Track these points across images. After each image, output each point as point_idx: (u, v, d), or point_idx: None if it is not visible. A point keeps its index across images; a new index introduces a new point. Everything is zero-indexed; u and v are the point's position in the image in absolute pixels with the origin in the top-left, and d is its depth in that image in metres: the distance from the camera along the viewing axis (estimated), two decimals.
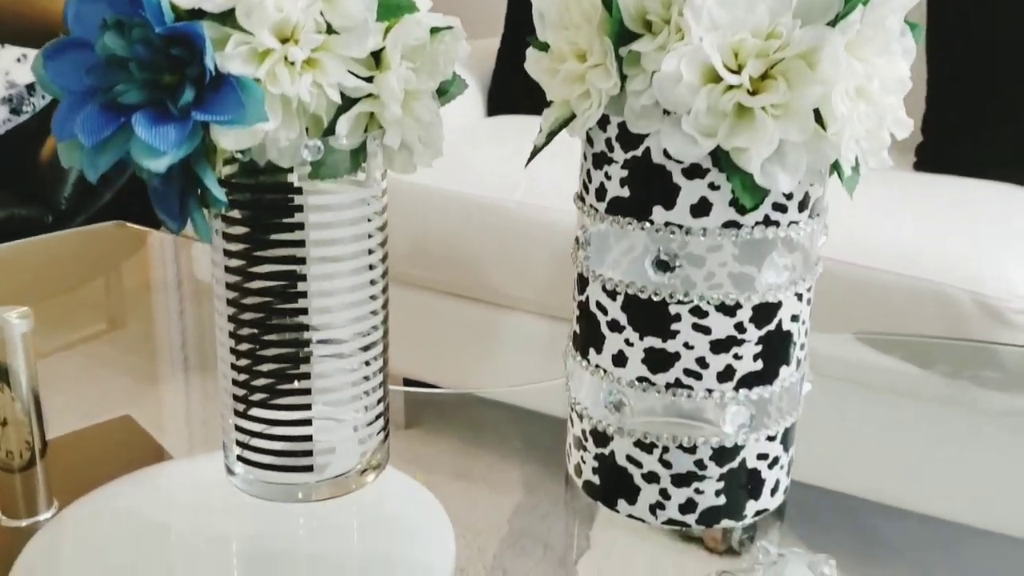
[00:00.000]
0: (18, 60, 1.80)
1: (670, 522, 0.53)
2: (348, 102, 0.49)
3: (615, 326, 0.51)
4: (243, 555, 0.60)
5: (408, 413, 1.09)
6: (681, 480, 0.52)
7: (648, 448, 0.52)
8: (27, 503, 0.69)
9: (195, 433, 0.93)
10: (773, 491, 0.54)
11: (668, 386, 0.50)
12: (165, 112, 0.46)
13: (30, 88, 1.82)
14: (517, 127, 1.51)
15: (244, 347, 0.54)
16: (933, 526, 0.71)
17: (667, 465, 0.52)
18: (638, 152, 0.48)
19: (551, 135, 0.50)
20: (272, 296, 0.52)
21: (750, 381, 0.50)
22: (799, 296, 0.51)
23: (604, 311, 0.51)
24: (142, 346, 1.12)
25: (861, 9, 0.44)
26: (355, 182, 0.53)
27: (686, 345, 0.50)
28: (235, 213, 0.52)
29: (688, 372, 0.50)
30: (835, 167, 0.48)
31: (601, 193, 0.50)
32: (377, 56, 0.49)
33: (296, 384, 0.54)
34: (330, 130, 0.49)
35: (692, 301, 0.49)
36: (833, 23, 0.44)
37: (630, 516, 0.54)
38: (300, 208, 0.51)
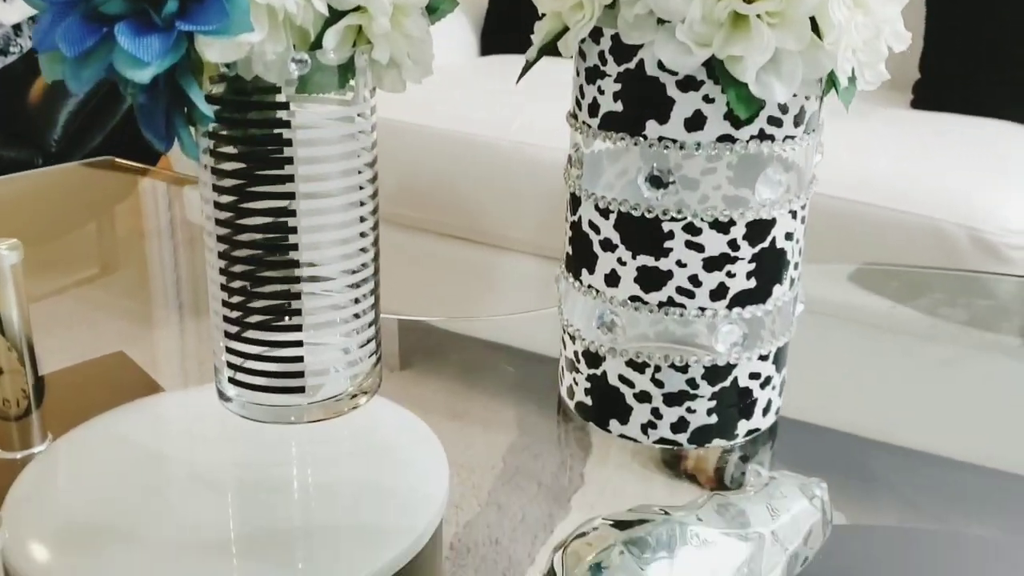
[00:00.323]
0: (3, 0, 1.77)
1: (661, 441, 0.53)
2: (336, 15, 0.48)
3: (608, 245, 0.51)
4: (236, 481, 0.60)
5: (403, 354, 1.09)
6: (673, 399, 0.52)
7: (640, 368, 0.52)
8: (21, 437, 0.69)
9: (189, 371, 0.93)
10: (765, 411, 0.54)
11: (660, 305, 0.50)
12: (148, 22, 0.45)
13: (16, 29, 1.79)
14: (511, 67, 1.49)
15: (236, 284, 0.53)
16: (922, 460, 0.71)
17: (659, 384, 0.52)
18: (631, 64, 0.47)
19: (542, 49, 0.49)
20: (264, 226, 0.52)
21: (743, 300, 0.50)
22: (793, 214, 0.50)
23: (596, 230, 0.51)
24: (135, 289, 1.12)
25: None
26: (343, 101, 0.52)
27: (679, 263, 0.49)
28: (225, 143, 0.51)
29: (681, 291, 0.50)
30: (831, 80, 0.47)
31: (594, 109, 0.49)
32: None
33: (287, 320, 0.54)
34: (317, 44, 0.48)
35: (685, 218, 0.49)
36: None
37: (622, 436, 0.54)
38: (288, 125, 0.50)
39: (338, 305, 0.55)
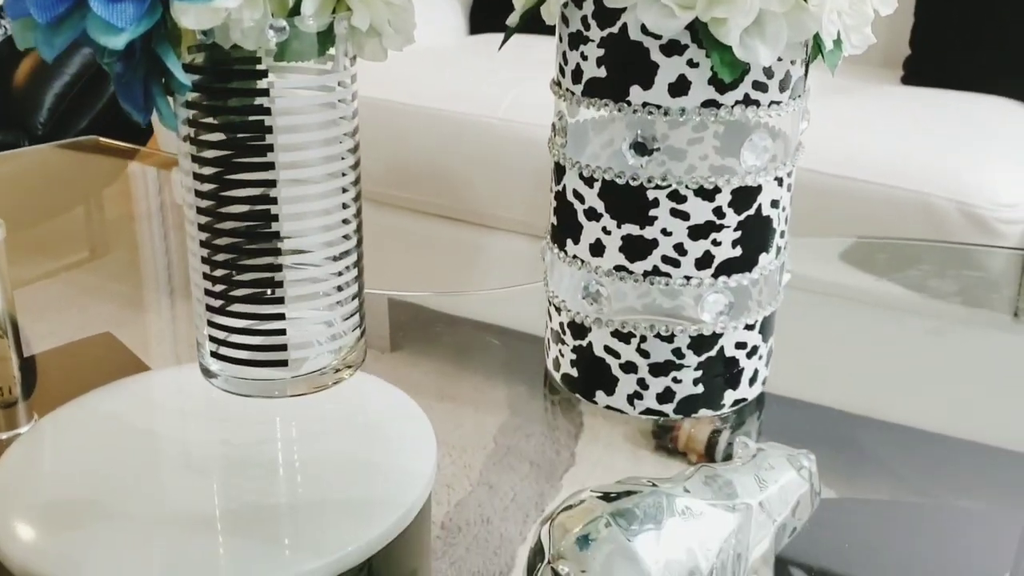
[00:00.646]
0: None
1: (648, 412, 0.52)
2: None
3: (592, 214, 0.50)
4: (223, 458, 0.60)
5: (393, 336, 1.09)
6: (659, 369, 0.51)
7: (625, 338, 0.51)
8: (6, 417, 0.68)
9: (178, 353, 0.92)
10: (752, 381, 0.54)
11: (646, 274, 0.50)
12: None
13: (0, 11, 1.78)
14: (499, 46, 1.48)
15: (219, 266, 0.53)
16: (910, 434, 0.71)
17: (645, 355, 0.51)
18: (615, 29, 0.46)
19: (524, 15, 0.49)
20: (245, 207, 0.51)
21: (728, 268, 0.50)
22: (779, 181, 0.50)
23: (581, 199, 0.50)
24: (124, 273, 1.11)
25: None
26: (323, 71, 0.52)
27: (664, 232, 0.49)
28: (205, 127, 0.50)
29: (666, 259, 0.49)
30: (817, 46, 0.47)
31: (577, 75, 0.49)
32: None
33: (270, 292, 0.53)
34: (296, 11, 0.48)
35: (670, 186, 0.48)
36: None
37: (608, 407, 0.53)
38: (266, 94, 0.49)
39: (319, 279, 0.54)
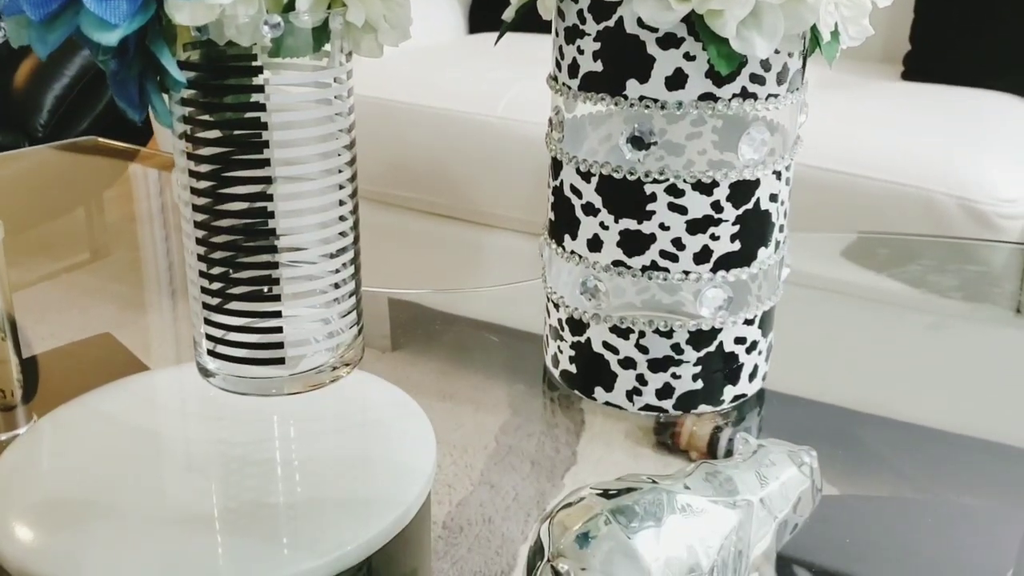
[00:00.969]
0: None
1: (647, 408, 0.52)
2: None
3: (590, 209, 0.50)
4: (222, 457, 0.60)
5: (394, 336, 1.09)
6: (658, 365, 0.51)
7: (624, 334, 0.51)
8: (6, 418, 0.68)
9: (179, 354, 0.92)
10: (751, 376, 0.53)
11: (644, 269, 0.49)
12: None
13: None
14: (499, 43, 1.48)
15: (215, 267, 0.53)
16: (912, 430, 0.71)
17: (643, 350, 0.51)
18: (611, 22, 0.46)
19: (521, 9, 0.48)
20: (242, 205, 0.51)
21: (727, 262, 0.49)
22: (778, 175, 0.50)
23: (579, 194, 0.50)
24: (125, 274, 1.11)
25: None
26: (319, 67, 0.51)
27: (662, 226, 0.49)
28: (200, 125, 0.50)
29: (664, 254, 0.49)
30: (815, 38, 0.46)
31: (574, 69, 0.48)
32: None
33: (267, 291, 0.53)
34: (291, 7, 0.47)
35: (668, 180, 0.48)
36: None
37: (607, 403, 0.53)
38: (262, 90, 0.49)
39: (315, 276, 0.54)
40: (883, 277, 0.95)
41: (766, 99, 0.47)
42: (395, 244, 1.41)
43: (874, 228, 1.09)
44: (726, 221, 0.49)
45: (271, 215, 0.51)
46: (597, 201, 0.49)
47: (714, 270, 0.49)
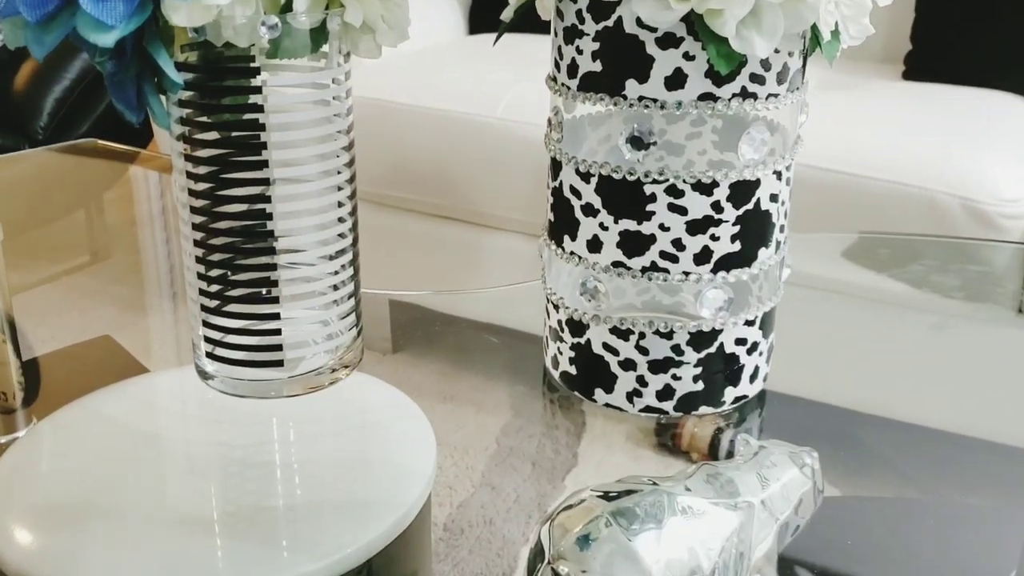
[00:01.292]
0: None
1: (647, 409, 0.52)
2: None
3: (589, 210, 0.50)
4: (222, 460, 0.59)
5: (395, 337, 1.09)
6: (658, 366, 0.51)
7: (624, 335, 0.51)
8: (5, 421, 0.68)
9: (180, 356, 0.92)
10: (752, 377, 0.53)
11: (644, 270, 0.49)
12: None
13: None
14: (499, 45, 1.48)
15: (214, 269, 0.52)
16: (914, 431, 0.70)
17: (644, 352, 0.51)
18: (610, 22, 0.46)
19: (519, 9, 0.48)
20: (240, 207, 0.51)
21: (727, 263, 0.49)
22: (778, 175, 0.49)
23: (578, 195, 0.50)
24: (125, 276, 1.11)
25: None
26: (316, 68, 0.51)
27: (662, 227, 0.48)
28: (198, 126, 0.50)
29: (664, 255, 0.49)
30: (815, 38, 0.46)
31: (573, 69, 0.48)
32: None
33: (265, 292, 0.53)
34: (288, 7, 0.47)
35: (668, 180, 0.47)
36: None
37: (607, 405, 0.53)
38: (259, 91, 0.49)
39: (313, 278, 0.54)
40: (884, 277, 0.94)
41: (766, 99, 0.47)
42: (395, 245, 1.41)
43: (876, 228, 1.09)
44: (726, 222, 0.48)
45: (269, 216, 0.51)
46: (597, 202, 0.49)
47: (714, 271, 0.49)
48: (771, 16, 0.42)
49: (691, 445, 0.64)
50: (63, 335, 0.89)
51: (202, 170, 0.50)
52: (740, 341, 0.51)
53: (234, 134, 0.50)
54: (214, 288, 0.53)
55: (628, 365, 0.51)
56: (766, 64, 0.46)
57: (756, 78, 0.46)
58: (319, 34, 0.49)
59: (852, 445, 0.66)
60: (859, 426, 0.69)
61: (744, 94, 0.46)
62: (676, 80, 0.46)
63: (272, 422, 0.62)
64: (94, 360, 0.84)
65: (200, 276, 0.53)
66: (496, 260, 1.37)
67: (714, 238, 0.48)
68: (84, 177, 1.36)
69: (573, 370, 0.53)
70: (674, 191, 0.48)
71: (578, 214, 0.50)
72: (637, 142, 0.47)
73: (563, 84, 0.49)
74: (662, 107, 0.46)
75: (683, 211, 0.48)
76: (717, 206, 0.48)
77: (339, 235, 0.54)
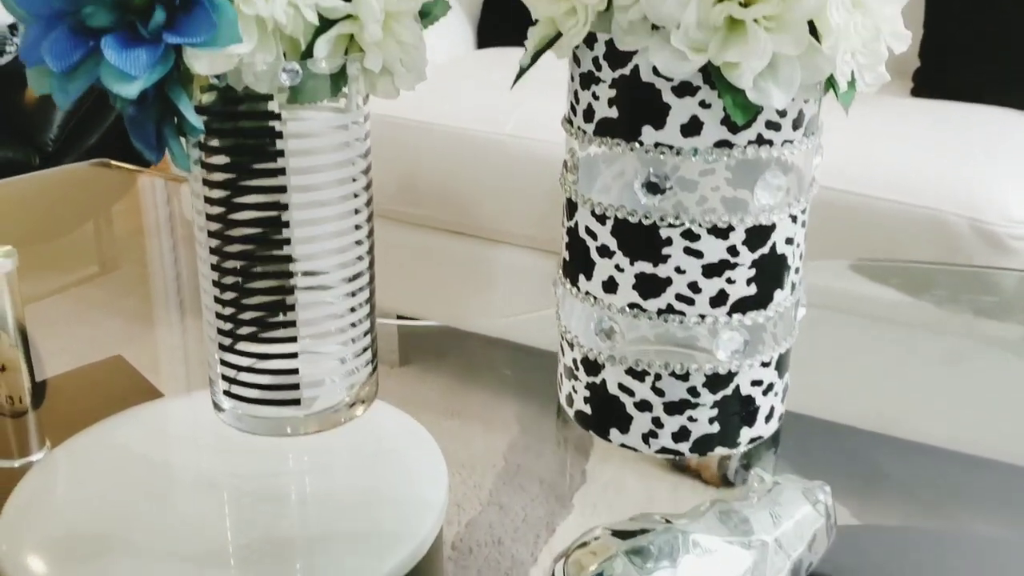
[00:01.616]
0: None
1: (663, 451, 0.52)
2: (326, 23, 0.47)
3: (605, 251, 0.50)
4: (236, 490, 0.60)
5: (402, 352, 1.09)
6: (674, 408, 0.51)
7: (640, 376, 0.51)
8: (19, 444, 0.68)
9: (188, 373, 0.92)
10: (768, 418, 0.53)
11: (660, 312, 0.49)
12: (136, 35, 0.44)
13: (12, 28, 1.78)
14: (507, 60, 1.48)
15: (229, 283, 0.53)
16: (928, 455, 0.70)
17: (660, 393, 0.51)
18: (626, 71, 0.46)
19: (536, 55, 0.49)
20: (256, 229, 0.51)
21: (743, 306, 0.49)
22: (793, 218, 0.50)
23: (594, 236, 0.50)
24: (134, 288, 1.11)
25: None
26: (336, 108, 0.52)
27: (678, 270, 0.49)
28: (215, 150, 0.50)
29: (680, 297, 0.49)
30: (830, 83, 0.46)
31: (589, 114, 0.49)
32: None
33: (281, 316, 0.53)
34: (308, 53, 0.48)
35: (683, 224, 0.48)
36: None
37: (623, 446, 0.53)
38: (280, 135, 0.49)
39: (335, 314, 0.54)
40: (898, 302, 0.94)
41: (782, 144, 0.47)
42: (405, 260, 1.41)
43: (884, 248, 1.09)
44: (742, 265, 0.49)
45: (287, 241, 0.51)
46: (612, 244, 0.50)
47: (730, 313, 0.49)
48: (788, 68, 0.42)
49: (700, 464, 0.64)
50: (73, 347, 0.89)
51: (218, 193, 0.51)
52: (756, 382, 0.52)
53: (251, 162, 0.50)
54: (229, 312, 0.53)
55: (644, 406, 0.51)
56: (782, 111, 0.46)
57: (772, 125, 0.47)
58: (339, 78, 0.50)
59: (867, 469, 0.66)
60: (873, 450, 0.69)
61: (760, 141, 0.47)
62: (692, 127, 0.46)
63: (285, 452, 0.62)
64: (106, 381, 0.85)
65: (217, 308, 0.53)
66: (506, 275, 1.37)
67: (730, 281, 0.49)
68: (92, 188, 1.36)
69: (588, 409, 0.54)
70: (690, 235, 0.48)
71: (594, 255, 0.51)
72: (653, 187, 0.48)
73: (579, 128, 0.50)
74: (678, 153, 0.47)
75: (699, 255, 0.48)
76: (733, 250, 0.48)
77: (357, 257, 0.54)
